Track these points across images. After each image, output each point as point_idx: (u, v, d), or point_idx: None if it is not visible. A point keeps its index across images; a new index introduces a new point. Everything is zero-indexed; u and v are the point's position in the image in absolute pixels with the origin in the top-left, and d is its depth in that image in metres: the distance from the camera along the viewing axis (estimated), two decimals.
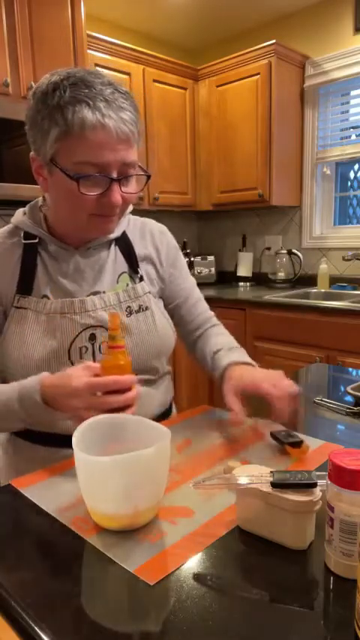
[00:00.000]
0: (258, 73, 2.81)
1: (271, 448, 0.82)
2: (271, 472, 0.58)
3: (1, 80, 2.09)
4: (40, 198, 0.97)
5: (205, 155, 3.18)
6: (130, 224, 1.03)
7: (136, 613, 0.48)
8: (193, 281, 1.12)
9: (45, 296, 0.91)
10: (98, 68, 2.58)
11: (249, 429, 0.91)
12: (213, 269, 3.39)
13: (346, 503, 0.51)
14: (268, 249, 3.26)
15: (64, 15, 2.28)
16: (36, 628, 0.46)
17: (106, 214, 0.86)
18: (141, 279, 0.99)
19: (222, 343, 1.06)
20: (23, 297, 0.90)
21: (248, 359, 1.01)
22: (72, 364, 0.88)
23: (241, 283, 3.29)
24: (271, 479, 0.56)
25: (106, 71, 2.60)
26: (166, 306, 1.07)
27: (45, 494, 0.70)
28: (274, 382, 0.86)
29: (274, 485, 0.56)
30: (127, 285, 0.97)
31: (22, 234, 0.93)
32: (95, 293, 0.93)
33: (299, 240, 3.15)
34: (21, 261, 0.92)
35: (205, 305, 1.13)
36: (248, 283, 3.28)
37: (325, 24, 2.87)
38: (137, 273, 0.99)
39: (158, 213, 3.10)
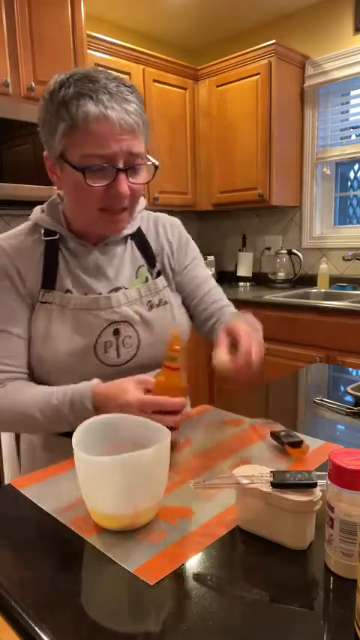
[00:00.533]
0: (258, 73, 2.81)
1: (271, 448, 0.82)
2: (271, 472, 0.58)
3: (1, 80, 2.09)
4: (56, 196, 0.99)
5: (205, 155, 3.18)
6: (144, 220, 1.05)
7: (136, 613, 0.48)
8: (207, 272, 1.12)
9: (68, 290, 0.93)
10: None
11: (249, 429, 0.91)
12: (213, 269, 3.39)
13: (346, 503, 0.50)
14: (268, 249, 3.26)
15: (64, 15, 2.28)
16: (36, 628, 0.46)
17: (116, 208, 0.86)
18: (158, 273, 1.02)
19: (234, 314, 1.06)
20: (48, 292, 0.92)
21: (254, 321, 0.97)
22: (97, 358, 0.91)
23: (241, 283, 3.29)
24: (271, 479, 0.56)
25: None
26: (182, 297, 1.08)
27: (45, 494, 0.70)
28: (250, 339, 0.83)
29: (274, 485, 0.56)
30: (147, 279, 0.99)
31: (42, 232, 0.95)
32: (117, 288, 0.95)
33: (299, 240, 3.15)
34: (43, 258, 0.93)
35: (220, 294, 1.12)
36: (248, 283, 3.28)
37: (325, 24, 2.87)
38: (154, 267, 1.01)
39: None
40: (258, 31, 3.18)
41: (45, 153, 0.89)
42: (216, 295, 1.11)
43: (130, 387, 0.78)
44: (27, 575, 0.54)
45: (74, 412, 0.82)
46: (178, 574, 0.53)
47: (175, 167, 3.10)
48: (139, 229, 1.02)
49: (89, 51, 2.50)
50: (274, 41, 2.72)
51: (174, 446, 0.77)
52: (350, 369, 1.36)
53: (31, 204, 2.45)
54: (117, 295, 0.93)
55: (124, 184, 0.83)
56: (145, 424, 0.67)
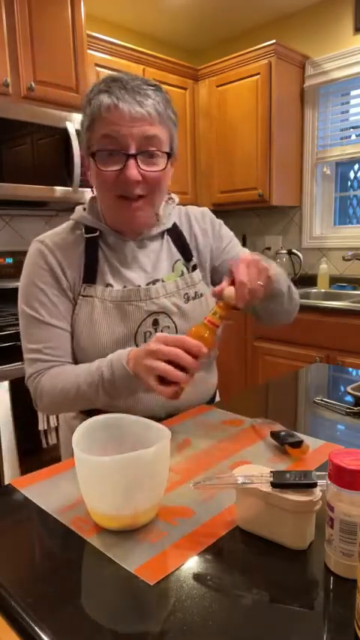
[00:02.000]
0: (258, 73, 2.81)
1: (271, 448, 0.82)
2: (271, 472, 0.58)
3: (1, 80, 2.09)
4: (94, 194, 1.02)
5: (205, 155, 3.18)
6: (178, 215, 1.08)
7: (136, 613, 0.48)
8: (244, 249, 1.14)
9: (109, 284, 0.97)
10: (99, 69, 2.58)
11: (249, 429, 0.91)
12: None
13: (346, 503, 0.50)
14: (268, 249, 3.26)
15: (64, 15, 2.28)
16: (36, 628, 0.46)
17: (127, 194, 0.89)
18: (194, 267, 1.05)
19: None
20: (89, 286, 0.96)
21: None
22: (137, 347, 0.92)
23: None
24: (271, 479, 0.56)
25: (106, 71, 2.60)
26: (220, 279, 1.08)
27: (45, 494, 0.70)
28: (250, 265, 0.84)
29: (274, 485, 0.56)
30: (182, 272, 1.02)
31: (83, 229, 0.99)
32: (154, 281, 0.99)
33: (299, 240, 3.15)
34: (85, 254, 0.97)
35: None
36: None
37: (325, 24, 2.87)
38: (190, 261, 1.05)
39: None
40: (258, 31, 3.18)
41: (81, 153, 0.97)
42: None
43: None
44: (27, 575, 0.54)
45: (112, 372, 0.84)
46: (178, 574, 0.53)
47: (175, 167, 3.08)
48: (174, 225, 1.05)
49: (89, 51, 2.50)
50: (274, 41, 2.72)
51: (179, 392, 0.80)
52: (350, 369, 1.36)
53: (31, 204, 2.46)
54: (156, 287, 0.97)
55: (134, 169, 0.86)
56: (146, 424, 0.67)
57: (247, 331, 2.72)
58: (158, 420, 0.87)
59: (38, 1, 2.18)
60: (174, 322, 0.98)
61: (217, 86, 3.04)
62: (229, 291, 0.81)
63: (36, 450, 2.04)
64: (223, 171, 3.09)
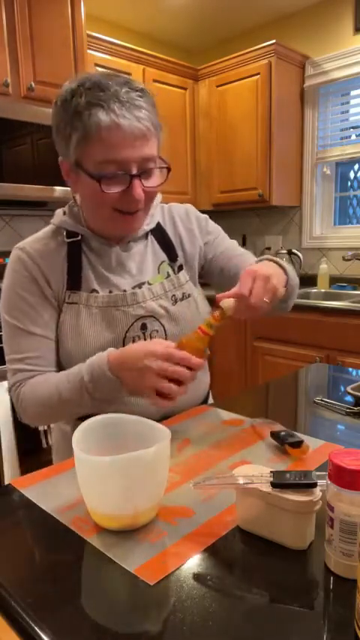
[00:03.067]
0: (258, 73, 2.81)
1: (271, 448, 0.82)
2: (271, 472, 0.58)
3: (1, 80, 2.09)
4: (74, 199, 1.00)
5: (205, 155, 3.18)
6: (162, 213, 1.06)
7: (136, 613, 0.48)
8: (232, 241, 1.12)
9: (94, 290, 0.95)
10: (99, 69, 2.58)
11: (249, 429, 0.91)
12: None
13: (346, 503, 0.50)
14: (268, 249, 3.26)
15: (64, 15, 2.28)
16: (36, 628, 0.46)
17: (130, 210, 0.88)
18: (180, 267, 1.03)
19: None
20: (74, 293, 0.94)
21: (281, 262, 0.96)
22: None
23: None
24: (271, 479, 0.56)
25: (106, 71, 2.60)
26: (213, 273, 1.09)
27: (45, 494, 0.70)
28: (256, 278, 0.82)
29: (274, 485, 0.56)
30: (168, 274, 1.01)
31: (64, 234, 0.96)
32: (140, 284, 0.97)
33: (299, 240, 3.15)
34: (67, 259, 0.95)
35: (252, 257, 1.10)
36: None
37: (325, 24, 2.87)
38: (175, 261, 1.03)
39: None
40: (258, 31, 3.18)
41: (60, 158, 0.90)
42: (249, 259, 1.08)
43: (153, 341, 0.81)
44: (27, 575, 0.54)
45: (93, 380, 0.83)
46: (178, 574, 0.53)
47: (175, 167, 3.09)
48: (158, 224, 1.03)
49: (89, 51, 2.50)
50: (274, 41, 2.72)
51: (169, 400, 0.79)
52: (350, 369, 1.36)
53: (31, 204, 2.46)
54: (142, 291, 0.95)
55: (139, 189, 0.85)
56: (145, 424, 0.68)
57: (247, 331, 2.72)
58: (159, 420, 0.87)
59: (38, 1, 2.18)
60: (162, 325, 0.97)
61: (217, 86, 3.04)
62: (228, 302, 0.80)
63: (36, 450, 2.04)
64: (223, 171, 3.09)
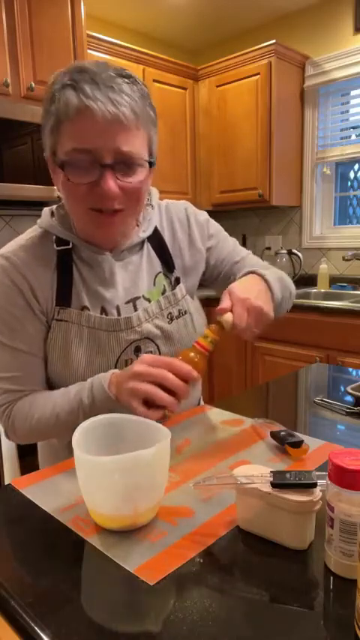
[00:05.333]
0: (258, 73, 2.81)
1: (271, 448, 0.82)
2: (271, 472, 0.58)
3: (1, 80, 2.09)
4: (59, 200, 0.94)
5: (205, 155, 3.18)
6: (159, 216, 0.97)
7: (136, 613, 0.48)
8: (234, 241, 1.07)
9: (85, 307, 0.87)
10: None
11: (249, 429, 0.91)
12: None
13: (346, 503, 0.50)
14: (268, 249, 3.26)
15: (64, 15, 2.28)
16: (36, 628, 0.46)
17: (104, 208, 0.78)
18: (177, 280, 0.96)
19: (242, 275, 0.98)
20: (63, 309, 0.86)
21: (266, 273, 0.91)
22: None
23: None
24: (271, 479, 0.56)
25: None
26: (215, 278, 1.04)
27: (45, 494, 0.70)
28: (240, 301, 0.79)
29: (274, 485, 0.56)
30: (165, 288, 0.94)
31: (53, 239, 0.87)
32: (134, 299, 0.90)
33: (299, 240, 3.15)
34: (57, 271, 0.86)
35: (254, 259, 1.07)
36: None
37: (325, 24, 2.87)
38: (172, 272, 0.95)
39: None
40: (258, 31, 3.18)
41: (45, 153, 0.84)
42: (250, 261, 1.05)
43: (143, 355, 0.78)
44: (27, 575, 0.54)
45: (93, 398, 0.81)
46: (178, 574, 0.53)
47: (175, 167, 3.10)
48: (155, 230, 0.94)
49: (89, 51, 2.50)
50: (274, 41, 2.72)
51: (167, 417, 0.76)
52: (350, 369, 1.36)
53: (31, 204, 2.46)
54: (137, 315, 0.89)
55: (110, 182, 0.75)
56: (145, 424, 0.67)
57: None
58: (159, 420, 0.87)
59: (38, 2, 2.18)
60: (157, 346, 0.91)
61: (217, 86, 3.04)
62: (227, 317, 0.78)
63: (36, 450, 2.04)
64: (223, 171, 3.09)
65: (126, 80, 0.75)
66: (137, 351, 0.90)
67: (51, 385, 0.92)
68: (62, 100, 0.73)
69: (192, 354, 0.78)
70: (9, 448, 1.91)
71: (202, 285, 1.06)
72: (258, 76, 2.81)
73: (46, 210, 0.92)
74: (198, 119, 3.18)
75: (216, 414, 0.99)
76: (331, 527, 0.52)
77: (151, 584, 0.52)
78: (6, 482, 1.41)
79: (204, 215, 1.03)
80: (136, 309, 0.90)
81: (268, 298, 0.87)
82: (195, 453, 0.82)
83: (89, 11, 2.78)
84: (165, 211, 0.99)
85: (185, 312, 0.95)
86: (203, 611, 0.48)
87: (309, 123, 3.01)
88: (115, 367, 0.88)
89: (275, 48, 2.73)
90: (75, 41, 2.32)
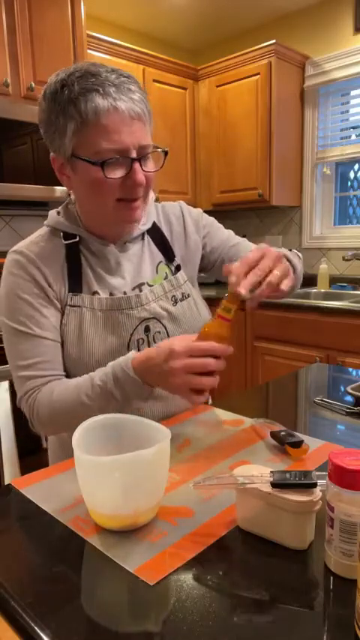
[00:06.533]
0: (258, 73, 2.81)
1: (271, 448, 0.82)
2: (271, 472, 0.58)
3: (1, 80, 2.09)
4: (69, 198, 0.99)
5: (205, 155, 3.18)
6: (156, 213, 1.05)
7: (136, 613, 0.48)
8: (228, 231, 1.13)
9: (95, 292, 0.94)
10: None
11: (249, 429, 0.91)
12: None
13: (346, 503, 0.50)
14: None
15: (64, 15, 2.28)
16: (36, 628, 0.46)
17: (132, 197, 0.87)
18: (178, 268, 1.02)
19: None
20: (75, 295, 0.92)
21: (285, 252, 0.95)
22: None
23: None
24: (271, 479, 0.56)
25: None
26: (212, 265, 1.09)
27: (45, 494, 0.70)
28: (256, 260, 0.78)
29: (274, 485, 0.56)
30: (166, 274, 1.00)
31: (61, 235, 0.94)
32: (139, 285, 0.97)
33: (299, 240, 3.15)
34: (66, 261, 0.93)
35: (250, 243, 1.12)
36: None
37: (325, 24, 2.87)
38: (173, 261, 1.02)
39: None
40: (258, 31, 3.18)
41: (52, 155, 0.88)
42: (246, 247, 1.10)
43: (173, 341, 0.77)
44: (27, 575, 0.54)
45: (120, 386, 0.81)
46: (178, 574, 0.53)
47: (175, 167, 3.10)
48: (154, 224, 1.02)
49: (89, 51, 2.50)
50: (274, 41, 2.72)
51: (212, 392, 0.77)
52: (350, 369, 1.36)
53: (31, 204, 2.46)
54: (145, 293, 0.95)
55: (140, 173, 0.85)
56: (145, 424, 0.67)
57: (247, 331, 2.72)
58: (159, 420, 0.87)
59: (38, 1, 2.18)
60: (164, 327, 0.96)
61: (217, 86, 3.04)
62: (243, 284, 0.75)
63: (36, 450, 2.04)
64: (223, 171, 3.09)
65: (131, 80, 0.84)
66: (147, 330, 0.95)
67: (66, 371, 0.94)
68: (90, 103, 0.80)
69: (218, 329, 0.77)
70: (9, 448, 1.91)
71: (202, 284, 1.11)
72: (258, 76, 2.81)
73: (51, 211, 0.98)
74: (198, 119, 3.18)
75: (216, 414, 0.99)
76: (331, 527, 0.52)
77: (151, 584, 0.52)
78: (6, 482, 1.41)
79: (197, 210, 1.12)
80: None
81: (287, 265, 0.85)
82: (195, 453, 0.82)
83: (89, 11, 2.78)
84: (162, 210, 1.07)
85: (188, 296, 1.02)
86: (203, 611, 0.48)
87: (309, 123, 3.01)
88: (128, 346, 0.93)
89: (275, 48, 2.73)
90: (75, 41, 2.32)
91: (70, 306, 0.92)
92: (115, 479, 0.58)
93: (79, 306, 0.92)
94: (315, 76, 2.93)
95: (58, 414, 0.87)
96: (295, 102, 2.96)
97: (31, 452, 1.99)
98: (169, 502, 0.66)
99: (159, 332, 0.96)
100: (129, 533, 0.60)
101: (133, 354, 0.82)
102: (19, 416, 1.81)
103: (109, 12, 2.93)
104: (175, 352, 0.75)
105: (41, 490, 0.71)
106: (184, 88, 3.10)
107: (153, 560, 0.55)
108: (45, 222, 0.97)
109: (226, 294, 0.78)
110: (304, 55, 2.92)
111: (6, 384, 1.87)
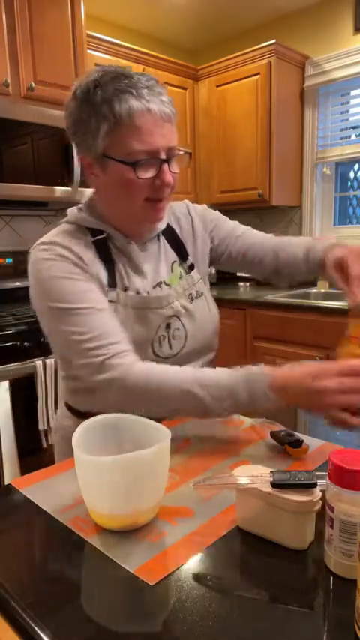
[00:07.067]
0: (258, 73, 2.81)
1: (271, 448, 0.82)
2: (271, 472, 0.58)
3: (1, 80, 2.09)
4: (92, 197, 0.99)
5: (205, 155, 3.18)
6: (168, 215, 1.07)
7: (136, 613, 0.48)
8: (234, 222, 1.15)
9: (126, 288, 0.95)
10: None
11: (249, 429, 0.91)
12: (213, 269, 3.39)
13: (346, 503, 0.50)
14: None
15: (64, 15, 2.28)
16: (36, 628, 0.46)
17: (159, 197, 0.89)
18: (191, 266, 1.05)
19: (307, 240, 1.10)
20: (112, 290, 0.93)
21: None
22: (153, 352, 0.95)
23: (241, 283, 3.29)
24: (271, 479, 0.56)
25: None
26: (220, 257, 1.12)
27: (45, 494, 0.70)
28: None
29: (274, 485, 0.56)
30: (181, 273, 1.03)
31: (88, 232, 0.94)
32: (159, 283, 0.99)
33: None
34: (98, 256, 0.93)
35: (256, 231, 1.16)
36: (248, 283, 3.28)
37: (325, 24, 2.87)
38: (186, 260, 1.04)
39: None
40: (258, 31, 3.18)
41: (80, 155, 0.90)
42: (253, 232, 1.15)
43: (311, 363, 0.76)
44: (27, 575, 0.54)
45: (249, 390, 0.78)
46: (178, 574, 0.53)
47: None
48: (167, 224, 1.04)
49: (89, 51, 2.50)
50: (274, 41, 2.71)
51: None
52: None
53: (31, 204, 2.46)
54: (169, 293, 0.98)
55: (169, 174, 0.87)
56: (145, 424, 0.67)
57: (247, 331, 2.72)
58: (159, 420, 0.87)
59: (38, 1, 2.18)
60: (182, 324, 0.99)
61: (217, 86, 3.04)
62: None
63: (36, 450, 2.04)
64: (223, 171, 3.09)
65: (156, 82, 0.86)
66: (167, 327, 0.97)
67: None
68: (124, 104, 0.81)
69: (355, 349, 0.78)
70: (9, 448, 1.91)
71: (211, 265, 1.14)
72: (258, 76, 2.81)
73: (72, 209, 0.98)
74: (198, 119, 3.18)
75: None
76: (331, 527, 0.52)
77: (151, 584, 0.52)
78: (6, 482, 1.41)
79: (202, 205, 1.15)
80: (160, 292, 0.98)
81: None
82: (195, 453, 0.82)
83: (89, 11, 2.78)
84: (170, 210, 1.08)
85: (202, 294, 1.04)
86: (203, 611, 0.48)
87: (309, 123, 3.01)
88: (152, 343, 0.95)
89: (275, 48, 2.73)
90: (75, 41, 2.32)
91: (109, 301, 0.91)
92: (115, 479, 0.58)
93: (114, 302, 0.92)
94: (315, 76, 2.93)
95: (149, 394, 0.81)
96: (295, 102, 2.96)
97: (31, 452, 1.99)
98: (169, 502, 0.66)
99: (178, 329, 0.98)
100: (129, 533, 0.60)
101: (269, 369, 0.79)
102: (19, 416, 1.81)
103: (109, 12, 2.93)
104: (327, 371, 0.73)
105: (41, 490, 0.71)
106: (184, 88, 3.10)
107: (153, 560, 0.55)
108: (66, 220, 0.96)
109: (353, 318, 0.79)
110: (304, 55, 2.92)
111: (6, 384, 1.88)
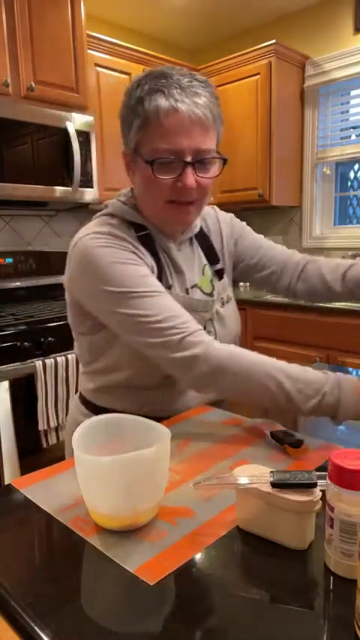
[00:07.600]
0: (258, 73, 2.81)
1: (271, 448, 0.82)
2: (271, 472, 0.58)
3: (1, 80, 2.09)
4: (129, 195, 0.98)
5: None
6: (200, 219, 1.06)
7: (136, 613, 0.48)
8: (259, 235, 1.16)
9: (170, 286, 0.95)
10: (99, 69, 2.58)
11: (249, 429, 0.91)
12: None
13: (346, 503, 0.50)
14: None
15: (64, 15, 2.28)
16: (36, 628, 0.46)
17: (182, 200, 0.87)
18: (221, 271, 1.05)
19: (339, 262, 1.11)
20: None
21: None
22: None
23: (241, 283, 3.29)
24: (271, 479, 0.56)
25: (106, 71, 2.60)
26: (239, 264, 1.12)
27: (45, 494, 0.70)
28: None
29: (274, 485, 0.56)
30: (212, 278, 1.03)
31: (132, 227, 0.92)
32: (193, 286, 1.00)
33: (299, 240, 3.15)
34: (148, 251, 0.92)
35: (275, 246, 1.15)
36: (248, 283, 3.28)
37: (325, 24, 2.87)
38: (216, 264, 1.05)
39: None
40: (258, 31, 3.18)
41: (123, 149, 0.91)
42: (276, 247, 1.14)
43: None
44: (27, 575, 0.54)
45: (334, 393, 0.78)
46: (178, 574, 0.53)
47: None
48: (200, 229, 1.05)
49: (89, 51, 2.50)
50: (274, 41, 2.72)
51: None
52: (350, 369, 1.36)
53: (31, 204, 2.46)
54: (213, 298, 0.99)
55: (191, 178, 0.85)
56: (146, 424, 0.67)
57: (247, 331, 2.72)
58: (159, 420, 0.87)
59: (38, 2, 2.18)
60: (214, 327, 1.00)
61: (217, 86, 3.04)
62: None
63: (36, 450, 2.04)
64: (223, 170, 3.09)
65: (202, 84, 0.85)
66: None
67: (133, 359, 0.90)
68: (153, 103, 0.82)
69: None
70: (9, 448, 1.91)
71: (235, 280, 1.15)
72: (258, 76, 2.81)
73: (113, 201, 0.95)
74: None
75: (216, 414, 0.99)
76: (331, 527, 0.52)
77: (151, 584, 0.52)
78: (6, 482, 1.41)
79: (229, 214, 1.16)
80: (194, 294, 0.99)
81: None
82: (195, 453, 0.82)
83: (89, 11, 2.78)
84: (202, 217, 1.09)
85: (231, 299, 1.07)
86: (203, 611, 0.48)
87: (309, 123, 3.01)
88: None
89: (275, 48, 2.73)
90: (75, 41, 2.32)
91: None
92: (115, 479, 0.58)
93: None
94: (315, 76, 2.93)
95: (239, 377, 0.82)
96: (295, 102, 2.96)
97: (31, 452, 1.99)
98: (169, 502, 0.66)
99: (210, 332, 0.99)
100: (129, 533, 0.60)
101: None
102: (19, 416, 1.81)
103: (109, 12, 2.93)
104: None
105: (41, 490, 0.71)
106: None
107: (153, 560, 0.55)
108: (107, 211, 0.94)
109: None
110: (304, 55, 2.92)
111: (6, 384, 1.88)
